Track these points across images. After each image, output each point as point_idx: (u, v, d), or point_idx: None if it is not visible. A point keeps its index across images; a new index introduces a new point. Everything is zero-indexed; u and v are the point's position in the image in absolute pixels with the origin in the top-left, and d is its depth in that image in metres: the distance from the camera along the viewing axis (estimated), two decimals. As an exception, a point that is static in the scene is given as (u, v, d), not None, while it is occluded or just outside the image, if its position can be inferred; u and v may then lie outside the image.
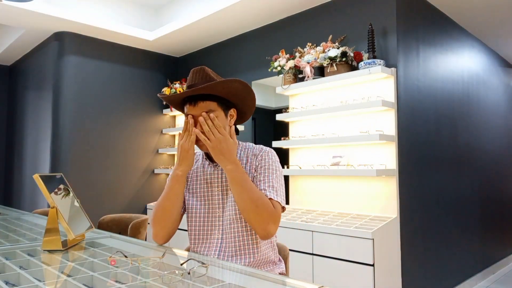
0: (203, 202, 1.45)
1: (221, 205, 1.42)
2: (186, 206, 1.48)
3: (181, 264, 1.05)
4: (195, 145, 1.38)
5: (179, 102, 1.43)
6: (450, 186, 3.46)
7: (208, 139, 1.30)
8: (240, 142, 1.52)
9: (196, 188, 1.47)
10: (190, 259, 1.17)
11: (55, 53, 4.00)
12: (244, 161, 1.43)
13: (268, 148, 1.47)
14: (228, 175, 1.31)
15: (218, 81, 1.32)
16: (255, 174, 1.40)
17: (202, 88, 1.31)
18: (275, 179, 1.38)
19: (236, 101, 1.42)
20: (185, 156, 1.35)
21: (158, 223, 1.38)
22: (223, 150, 1.29)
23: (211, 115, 1.30)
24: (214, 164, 1.46)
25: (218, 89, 1.33)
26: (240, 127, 3.77)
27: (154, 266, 1.09)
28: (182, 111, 1.45)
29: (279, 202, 1.34)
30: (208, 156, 1.48)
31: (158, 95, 1.60)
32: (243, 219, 1.38)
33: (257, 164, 1.41)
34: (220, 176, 1.44)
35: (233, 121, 1.44)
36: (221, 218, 1.42)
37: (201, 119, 1.30)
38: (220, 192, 1.43)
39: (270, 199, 1.32)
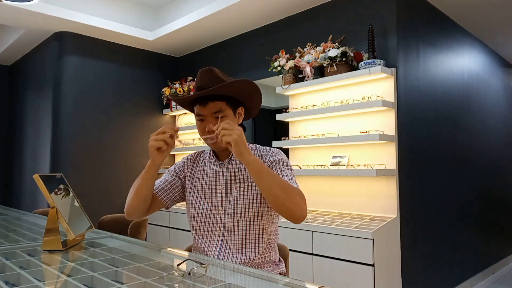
0: (206, 199, 1.47)
1: (223, 203, 1.44)
2: (190, 202, 1.50)
3: (178, 265, 1.05)
4: (204, 141, 1.45)
5: (189, 103, 1.47)
6: (450, 186, 3.46)
7: (229, 134, 1.24)
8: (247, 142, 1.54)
9: (201, 185, 1.50)
10: (188, 259, 1.17)
11: (55, 53, 4.00)
12: None
13: (276, 148, 1.52)
14: (253, 165, 1.27)
15: (228, 82, 1.36)
16: None
17: (213, 89, 1.35)
18: (291, 174, 1.44)
19: (244, 99, 1.47)
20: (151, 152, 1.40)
21: (129, 201, 1.44)
22: (244, 142, 1.27)
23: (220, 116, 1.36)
24: (220, 162, 1.49)
25: (227, 90, 1.38)
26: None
27: (154, 266, 1.09)
28: (191, 110, 1.49)
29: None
30: (215, 154, 1.51)
31: (168, 96, 1.63)
32: (247, 218, 1.40)
33: (269, 164, 1.45)
34: (225, 174, 1.47)
35: (241, 119, 1.50)
36: (223, 216, 1.43)
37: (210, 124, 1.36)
38: (224, 190, 1.45)
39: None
